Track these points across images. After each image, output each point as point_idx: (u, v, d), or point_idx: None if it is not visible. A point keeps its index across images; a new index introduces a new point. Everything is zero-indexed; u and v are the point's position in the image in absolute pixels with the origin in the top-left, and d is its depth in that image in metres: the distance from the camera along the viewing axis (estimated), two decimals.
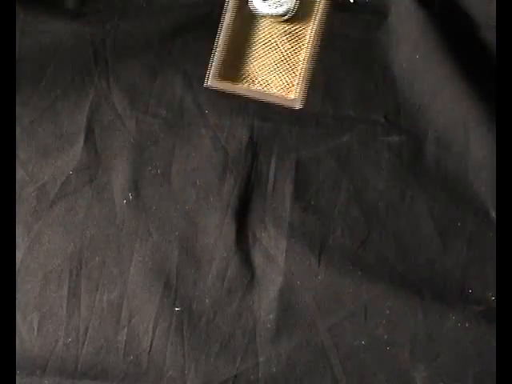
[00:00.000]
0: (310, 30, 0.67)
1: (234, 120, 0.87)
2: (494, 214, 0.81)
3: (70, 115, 0.88)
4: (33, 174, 0.85)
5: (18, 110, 0.86)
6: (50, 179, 0.85)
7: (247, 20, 0.69)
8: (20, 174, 0.85)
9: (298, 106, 0.66)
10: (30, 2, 0.92)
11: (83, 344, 0.78)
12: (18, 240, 0.82)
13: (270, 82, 0.68)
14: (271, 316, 0.79)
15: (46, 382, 0.77)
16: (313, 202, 0.84)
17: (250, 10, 0.68)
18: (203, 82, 0.87)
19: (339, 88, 0.89)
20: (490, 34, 0.88)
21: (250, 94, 0.67)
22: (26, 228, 0.83)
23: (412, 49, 0.90)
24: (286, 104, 0.66)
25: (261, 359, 0.77)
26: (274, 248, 0.82)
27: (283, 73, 0.67)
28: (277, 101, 0.66)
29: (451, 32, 0.89)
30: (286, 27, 0.68)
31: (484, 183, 0.83)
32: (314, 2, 0.68)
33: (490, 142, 0.84)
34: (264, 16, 0.68)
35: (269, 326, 0.79)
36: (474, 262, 0.81)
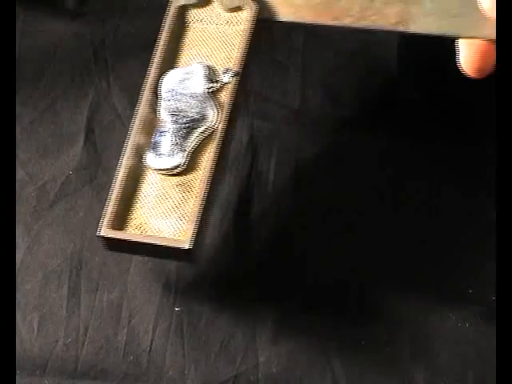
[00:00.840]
0: (199, 181, 0.72)
1: None
2: (494, 215, 0.81)
3: (69, 115, 0.88)
4: (33, 173, 0.85)
5: (18, 109, 0.86)
6: (50, 179, 0.85)
7: (141, 174, 0.74)
8: (20, 174, 0.85)
9: (187, 246, 0.69)
10: (30, 1, 0.92)
11: (83, 344, 0.78)
12: (18, 240, 0.82)
13: (162, 229, 0.71)
14: (271, 316, 0.79)
15: (46, 382, 0.77)
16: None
17: (144, 165, 0.74)
18: None
19: (339, 88, 0.89)
20: None
21: (142, 240, 0.71)
22: (25, 228, 0.83)
23: (412, 48, 0.90)
24: (176, 245, 0.70)
25: (261, 359, 0.77)
26: None
27: (174, 221, 0.72)
28: (167, 243, 0.70)
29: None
30: (178, 179, 0.73)
31: (484, 183, 0.83)
32: (204, 153, 0.73)
33: (490, 141, 0.84)
34: (157, 170, 0.73)
35: (269, 326, 0.79)
36: (474, 262, 0.81)
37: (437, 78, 0.89)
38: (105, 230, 0.72)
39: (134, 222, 0.73)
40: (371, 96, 0.89)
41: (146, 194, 0.73)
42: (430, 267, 0.81)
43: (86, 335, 0.78)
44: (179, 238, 0.71)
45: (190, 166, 0.73)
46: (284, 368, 0.77)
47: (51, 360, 0.77)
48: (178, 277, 0.81)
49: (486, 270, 0.79)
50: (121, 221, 0.73)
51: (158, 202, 0.73)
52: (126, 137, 0.87)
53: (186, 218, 0.71)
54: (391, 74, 0.89)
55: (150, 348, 0.78)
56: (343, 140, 0.87)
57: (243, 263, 0.81)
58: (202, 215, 0.71)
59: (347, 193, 0.84)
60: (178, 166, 0.73)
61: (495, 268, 0.64)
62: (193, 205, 0.72)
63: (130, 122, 0.87)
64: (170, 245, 0.70)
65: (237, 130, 0.86)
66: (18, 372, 0.76)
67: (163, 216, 0.72)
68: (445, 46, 0.75)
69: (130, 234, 0.72)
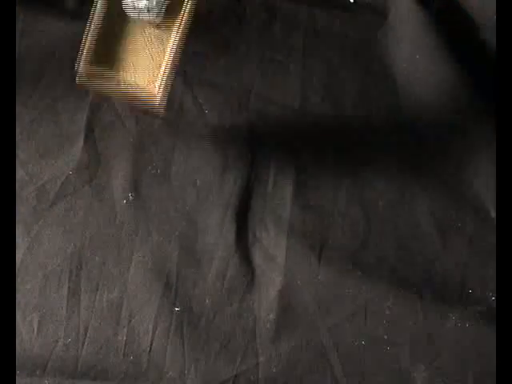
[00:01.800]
0: (174, 34, 0.74)
1: (234, 120, 0.87)
2: (493, 214, 0.81)
3: (70, 115, 0.88)
4: (33, 174, 0.85)
5: (18, 109, 0.86)
6: (50, 179, 0.85)
7: (121, 24, 0.76)
8: (20, 174, 0.85)
9: (159, 98, 0.73)
10: (30, 2, 0.92)
11: (83, 344, 0.78)
12: (18, 240, 0.82)
13: (137, 79, 0.75)
14: (271, 316, 0.79)
15: (46, 382, 0.77)
16: (313, 202, 0.84)
17: (124, 13, 0.75)
18: (203, 83, 0.87)
19: (339, 88, 0.89)
20: (490, 34, 0.88)
21: (118, 89, 0.74)
22: (25, 228, 0.83)
23: (412, 49, 0.90)
24: (147, 91, 0.73)
25: (261, 359, 0.77)
26: (273, 248, 0.82)
27: (149, 71, 0.75)
28: (140, 88, 0.74)
29: (451, 32, 0.89)
30: (155, 30, 0.75)
31: (484, 183, 0.83)
32: (181, 4, 0.75)
33: (490, 141, 0.84)
34: (135, 19, 0.75)
35: (269, 326, 0.79)
36: (474, 262, 0.81)
37: (436, 79, 0.89)
38: (83, 68, 0.74)
39: (110, 61, 0.75)
40: (371, 96, 0.89)
41: (124, 41, 0.75)
42: (430, 267, 0.81)
43: (86, 335, 0.78)
44: (150, 84, 0.73)
45: (167, 21, 0.75)
46: (284, 368, 0.77)
47: (51, 360, 0.77)
48: (177, 277, 0.81)
49: (485, 270, 0.79)
50: (98, 57, 0.75)
51: (135, 51, 0.75)
52: (126, 137, 0.87)
53: (159, 67, 0.74)
54: (391, 74, 0.89)
55: (150, 348, 0.78)
56: (343, 140, 0.87)
57: (243, 262, 0.81)
58: (172, 67, 0.74)
59: (347, 192, 0.84)
60: (153, 9, 0.75)
61: (495, 268, 0.64)
62: (167, 59, 0.74)
63: (130, 122, 0.87)
64: (142, 90, 0.73)
65: (237, 129, 0.87)
66: (18, 372, 0.76)
67: (139, 66, 0.74)
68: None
69: (105, 70, 0.74)
